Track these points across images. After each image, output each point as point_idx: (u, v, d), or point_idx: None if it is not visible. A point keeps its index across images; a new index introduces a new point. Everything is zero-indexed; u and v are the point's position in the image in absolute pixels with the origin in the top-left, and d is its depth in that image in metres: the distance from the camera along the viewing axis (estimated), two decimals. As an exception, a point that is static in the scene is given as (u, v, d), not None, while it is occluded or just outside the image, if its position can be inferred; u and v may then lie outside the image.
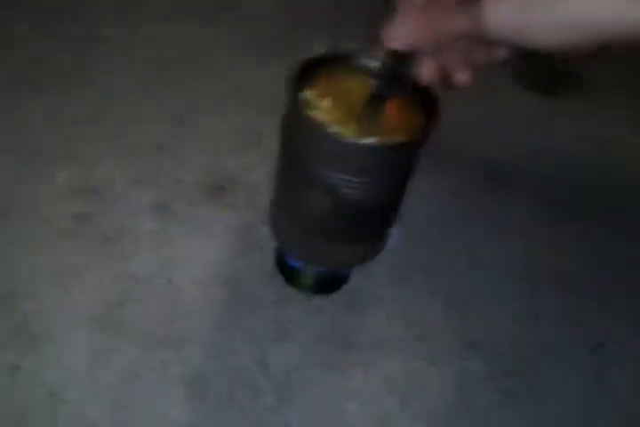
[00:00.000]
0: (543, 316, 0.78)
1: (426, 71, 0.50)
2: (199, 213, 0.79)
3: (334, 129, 0.55)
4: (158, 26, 1.05)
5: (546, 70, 1.18)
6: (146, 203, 0.78)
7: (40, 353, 0.63)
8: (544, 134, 1.03)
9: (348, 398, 0.66)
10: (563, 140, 1.02)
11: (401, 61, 0.51)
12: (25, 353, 0.63)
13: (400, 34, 0.47)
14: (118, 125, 0.87)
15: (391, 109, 0.57)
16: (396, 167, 0.58)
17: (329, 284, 0.75)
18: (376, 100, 0.55)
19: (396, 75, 0.52)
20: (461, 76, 0.50)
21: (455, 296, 0.78)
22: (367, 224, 0.63)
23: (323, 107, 0.57)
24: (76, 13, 1.04)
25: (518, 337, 0.75)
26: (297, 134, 0.58)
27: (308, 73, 0.58)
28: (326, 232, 0.63)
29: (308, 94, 0.58)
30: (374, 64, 0.59)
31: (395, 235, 0.71)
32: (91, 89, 0.91)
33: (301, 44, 1.08)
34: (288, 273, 0.74)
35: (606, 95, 1.13)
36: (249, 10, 1.15)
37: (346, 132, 0.56)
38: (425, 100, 0.58)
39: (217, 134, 0.90)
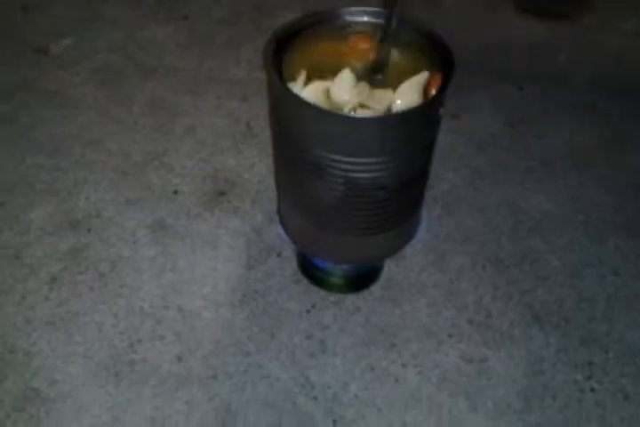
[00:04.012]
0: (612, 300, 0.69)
1: None
2: (201, 226, 0.71)
3: (328, 105, 0.47)
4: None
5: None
6: (140, 225, 0.70)
7: (55, 418, 0.56)
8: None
9: (407, 408, 0.57)
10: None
11: None
12: (37, 422, 0.56)
13: None
14: (93, 142, 0.79)
15: (401, 66, 0.49)
16: (413, 137, 0.49)
17: (361, 279, 0.67)
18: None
19: None
20: None
21: (503, 260, 0.69)
22: (391, 209, 0.54)
23: (312, 80, 0.49)
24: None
25: (582, 297, 0.66)
26: (288, 117, 0.50)
27: (284, 45, 0.50)
28: (346, 225, 0.55)
29: (291, 68, 0.49)
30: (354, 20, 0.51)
31: (425, 216, 0.62)
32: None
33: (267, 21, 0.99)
34: (314, 275, 0.66)
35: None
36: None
37: (344, 103, 0.47)
38: (438, 54, 0.49)
39: (204, 133, 0.81)
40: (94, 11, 0.98)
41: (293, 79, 0.48)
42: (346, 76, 0.48)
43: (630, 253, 0.71)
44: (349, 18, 0.52)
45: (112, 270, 0.65)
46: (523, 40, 0.96)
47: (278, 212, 0.63)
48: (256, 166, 0.77)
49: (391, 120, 0.46)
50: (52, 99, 0.84)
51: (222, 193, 0.74)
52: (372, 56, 0.49)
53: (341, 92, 0.48)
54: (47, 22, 0.96)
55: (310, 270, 0.66)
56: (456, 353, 0.62)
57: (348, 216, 0.53)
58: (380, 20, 0.50)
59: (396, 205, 0.54)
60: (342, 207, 0.52)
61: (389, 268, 0.68)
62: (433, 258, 0.69)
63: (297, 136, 0.49)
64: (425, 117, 0.48)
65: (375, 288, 0.66)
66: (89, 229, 0.69)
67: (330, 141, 0.47)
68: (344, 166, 0.48)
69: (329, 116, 0.46)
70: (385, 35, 0.48)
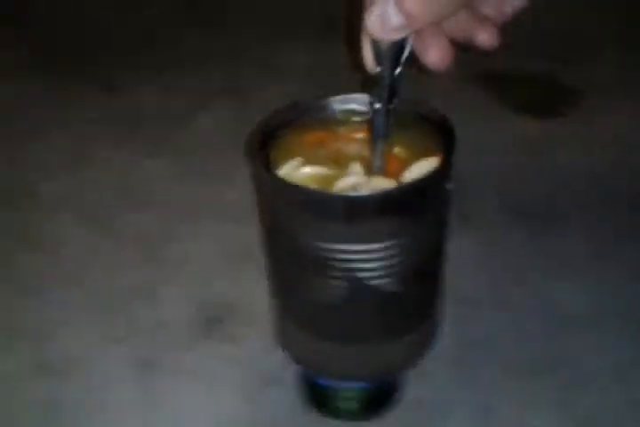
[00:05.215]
0: None
1: (434, 55, 0.39)
2: (194, 359, 0.63)
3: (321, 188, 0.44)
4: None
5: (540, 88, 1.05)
6: (124, 365, 0.63)
7: None
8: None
9: None
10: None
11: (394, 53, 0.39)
12: None
13: (390, 21, 0.36)
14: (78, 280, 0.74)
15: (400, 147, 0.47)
16: (420, 215, 0.43)
17: (377, 402, 0.58)
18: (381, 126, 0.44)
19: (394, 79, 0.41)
20: (483, 37, 0.39)
21: (537, 366, 0.61)
22: (406, 308, 0.47)
23: (301, 171, 0.46)
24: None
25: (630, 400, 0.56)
26: (276, 204, 0.45)
27: (271, 137, 0.47)
28: (351, 330, 0.48)
29: (278, 158, 0.46)
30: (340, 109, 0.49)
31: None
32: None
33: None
34: (321, 400, 0.57)
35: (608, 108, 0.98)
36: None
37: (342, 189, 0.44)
38: (437, 130, 0.45)
39: (196, 260, 0.76)
40: (84, 152, 0.97)
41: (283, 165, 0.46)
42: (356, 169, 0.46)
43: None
44: (338, 106, 0.49)
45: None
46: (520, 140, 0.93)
47: (275, 324, 0.56)
48: (251, 289, 0.71)
49: (394, 195, 0.42)
50: (37, 242, 0.81)
51: (217, 320, 0.68)
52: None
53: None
54: (37, 169, 0.95)
55: (317, 396, 0.57)
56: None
57: (353, 319, 0.47)
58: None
59: (409, 302, 0.47)
60: (345, 308, 0.46)
61: (409, 386, 0.59)
62: (460, 370, 0.61)
63: (291, 229, 0.44)
64: (432, 191, 0.43)
65: (396, 413, 0.57)
66: (67, 376, 0.62)
67: (327, 229, 0.42)
68: (345, 256, 0.42)
69: (328, 198, 0.42)
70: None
